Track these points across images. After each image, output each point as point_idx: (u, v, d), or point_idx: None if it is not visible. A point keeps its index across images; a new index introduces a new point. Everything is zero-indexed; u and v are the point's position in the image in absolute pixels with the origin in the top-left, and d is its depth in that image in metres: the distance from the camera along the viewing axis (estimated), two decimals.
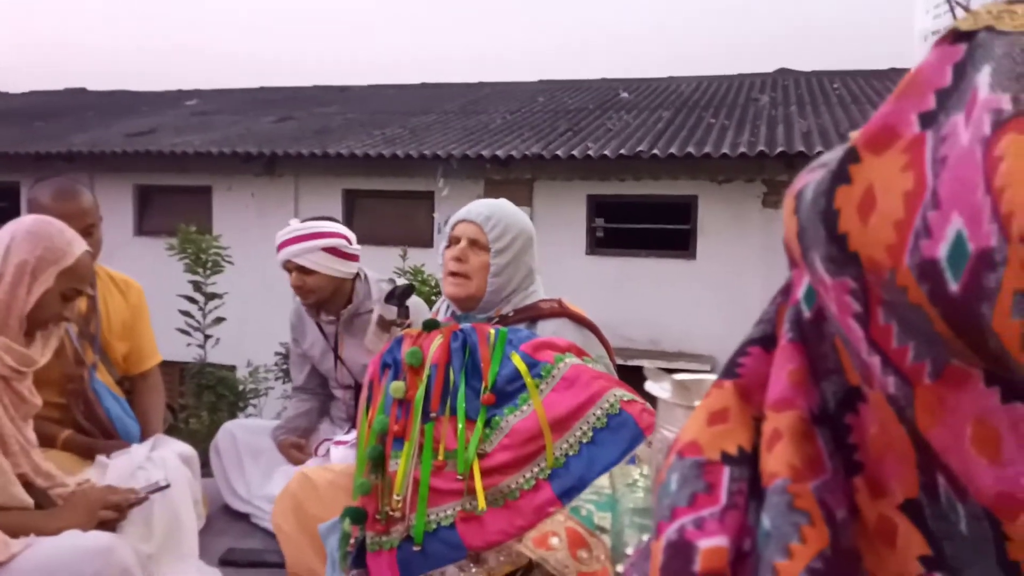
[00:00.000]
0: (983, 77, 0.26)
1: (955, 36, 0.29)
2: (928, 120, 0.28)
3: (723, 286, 7.82)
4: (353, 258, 2.47)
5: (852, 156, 0.30)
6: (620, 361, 1.90)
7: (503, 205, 1.94)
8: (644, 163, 8.07)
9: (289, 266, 2.41)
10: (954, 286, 0.25)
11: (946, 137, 0.26)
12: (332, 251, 2.41)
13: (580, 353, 1.46)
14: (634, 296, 8.28)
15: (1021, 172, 0.23)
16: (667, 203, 8.48)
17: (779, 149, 7.51)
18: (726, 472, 0.33)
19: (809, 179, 0.33)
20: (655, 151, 7.96)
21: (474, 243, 1.85)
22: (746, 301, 6.89)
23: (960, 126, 0.26)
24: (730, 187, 8.14)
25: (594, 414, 1.32)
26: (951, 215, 0.25)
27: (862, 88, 10.66)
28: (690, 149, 7.87)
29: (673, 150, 7.91)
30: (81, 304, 1.84)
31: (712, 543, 0.31)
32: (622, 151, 8.08)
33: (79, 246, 1.75)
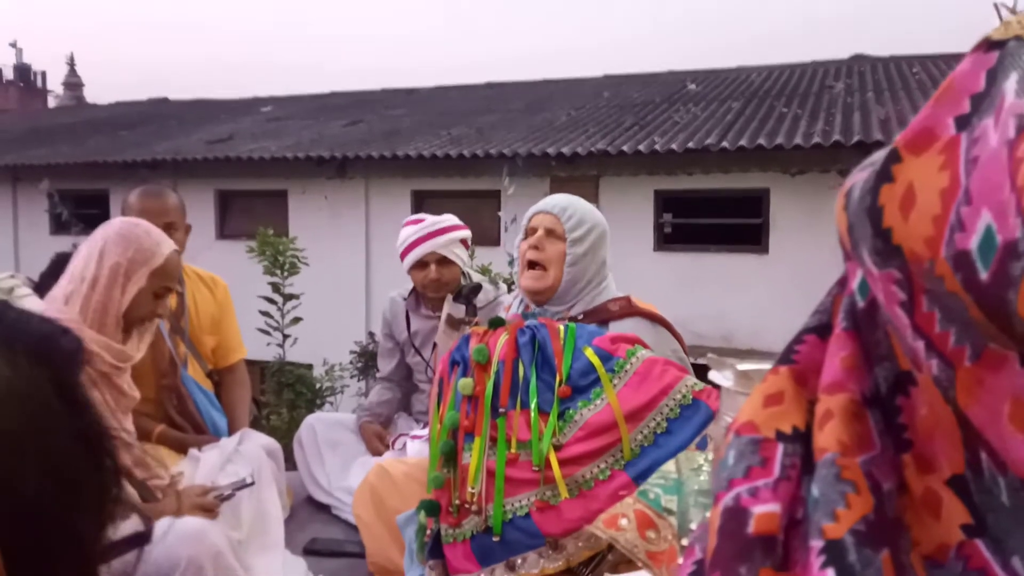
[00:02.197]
0: (1010, 84, 0.29)
1: (988, 45, 0.31)
2: (963, 123, 0.30)
3: (797, 281, 7.64)
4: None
5: (895, 156, 0.33)
6: (691, 359, 1.90)
7: (579, 199, 1.98)
8: (713, 156, 7.95)
9: (430, 259, 2.47)
10: (984, 275, 0.27)
11: (978, 139, 0.29)
12: (464, 243, 2.53)
13: (646, 346, 1.48)
14: (704, 292, 8.17)
15: None
16: (738, 197, 8.34)
17: (856, 138, 7.29)
18: (780, 448, 0.36)
19: (858, 178, 0.36)
20: (724, 143, 7.83)
21: (551, 232, 1.87)
22: (821, 296, 6.71)
23: (990, 129, 0.28)
24: (804, 179, 7.95)
25: (667, 405, 1.34)
26: (981, 210, 0.27)
27: (943, 72, 10.21)
28: (761, 141, 7.71)
29: (743, 142, 7.76)
30: (171, 301, 1.95)
31: (765, 509, 0.34)
32: (690, 144, 7.98)
33: (167, 246, 1.82)
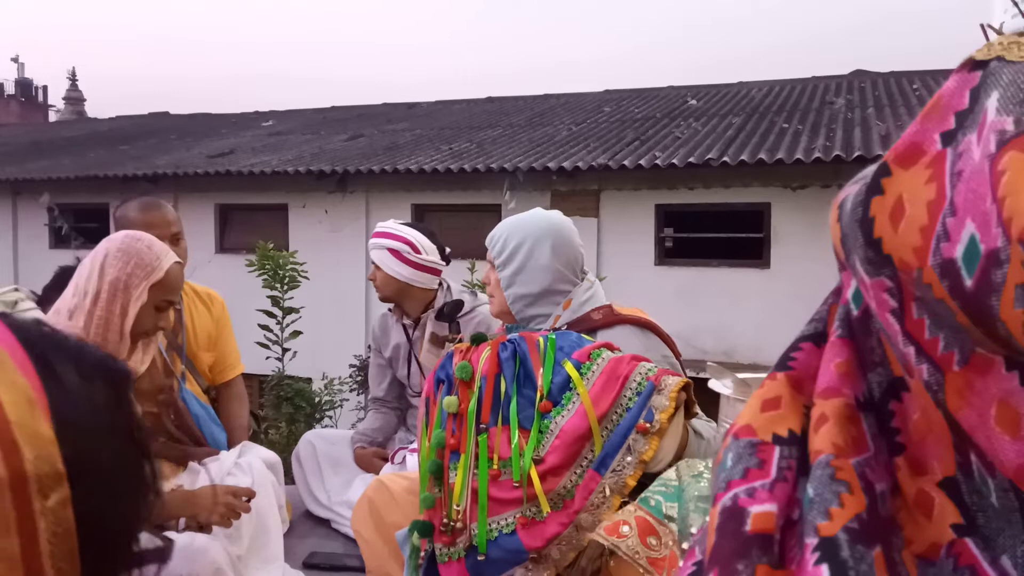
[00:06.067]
0: (992, 102, 0.30)
1: (972, 64, 0.33)
2: (948, 139, 0.32)
3: (798, 295, 7.64)
4: (415, 266, 2.56)
5: (884, 170, 0.34)
6: (692, 373, 1.89)
7: (510, 219, 1.98)
8: (714, 171, 7.99)
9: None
10: (969, 282, 0.29)
11: (962, 154, 0.31)
12: (394, 252, 2.55)
13: (613, 349, 1.48)
14: (706, 307, 8.17)
15: (1018, 183, 0.27)
16: (739, 211, 8.36)
17: (856, 153, 7.32)
18: (777, 451, 0.38)
19: (850, 191, 0.37)
20: (725, 158, 7.86)
21: (491, 263, 1.96)
22: None
23: (973, 144, 0.30)
24: (805, 193, 7.98)
25: (625, 395, 1.34)
26: (966, 221, 0.29)
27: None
28: (762, 155, 7.74)
29: (744, 157, 7.79)
30: (168, 317, 1.96)
31: (762, 508, 0.35)
32: (691, 159, 8.01)
33: (168, 259, 1.82)
